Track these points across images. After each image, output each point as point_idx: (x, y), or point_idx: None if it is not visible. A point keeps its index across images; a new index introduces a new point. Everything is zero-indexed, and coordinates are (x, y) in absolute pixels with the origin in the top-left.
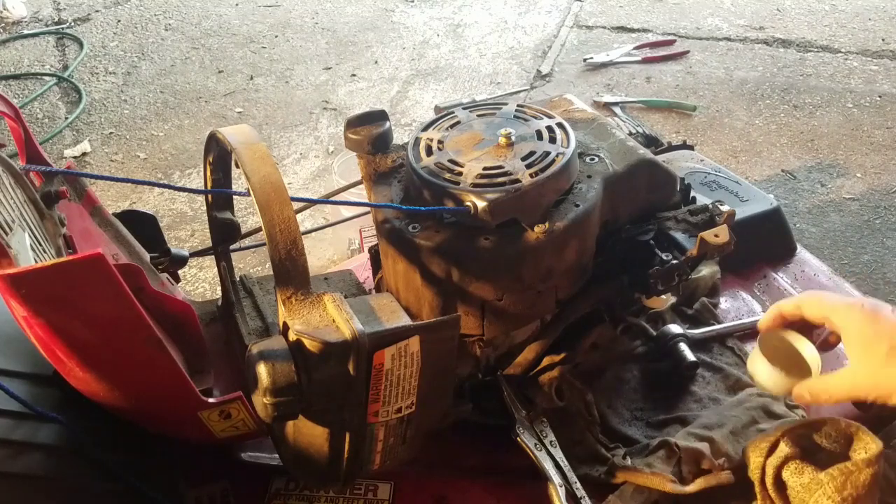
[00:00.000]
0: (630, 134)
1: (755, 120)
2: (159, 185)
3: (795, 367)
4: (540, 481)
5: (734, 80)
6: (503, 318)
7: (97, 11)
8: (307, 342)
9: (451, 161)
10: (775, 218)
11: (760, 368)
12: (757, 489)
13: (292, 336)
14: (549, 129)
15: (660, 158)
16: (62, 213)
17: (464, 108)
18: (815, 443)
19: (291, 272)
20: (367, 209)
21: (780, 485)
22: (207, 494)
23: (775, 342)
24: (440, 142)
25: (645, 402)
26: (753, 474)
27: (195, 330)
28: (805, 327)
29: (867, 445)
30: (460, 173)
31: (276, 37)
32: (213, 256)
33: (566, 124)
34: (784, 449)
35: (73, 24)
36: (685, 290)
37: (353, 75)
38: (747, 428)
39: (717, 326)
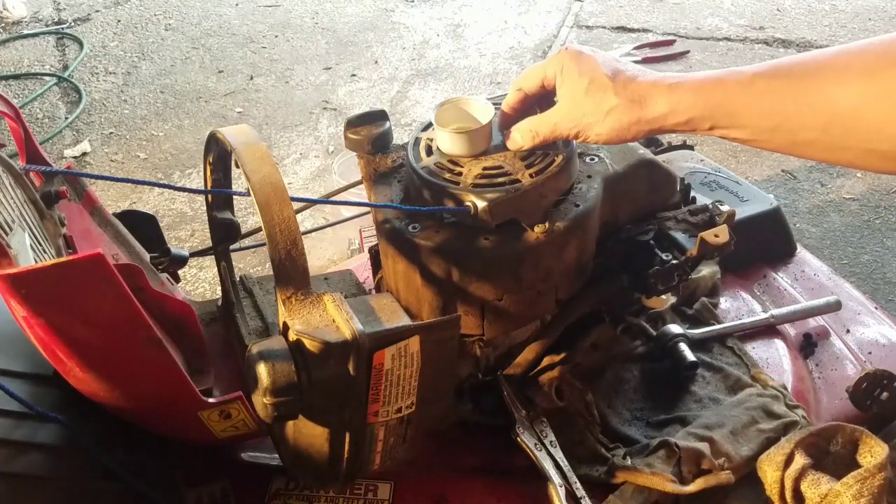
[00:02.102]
0: None
1: None
2: (159, 185)
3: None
4: (540, 481)
5: None
6: (503, 318)
7: (97, 11)
8: (307, 342)
9: (450, 161)
10: (775, 218)
11: (441, 136)
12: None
13: (292, 336)
14: None
15: (660, 158)
16: (62, 213)
17: None
18: (824, 450)
19: (291, 272)
20: (367, 209)
21: (799, 497)
22: (207, 494)
23: (448, 114)
24: None
25: (645, 402)
26: (772, 489)
27: (195, 330)
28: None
29: (873, 449)
30: (460, 173)
31: (276, 37)
32: (213, 256)
33: None
34: (799, 461)
35: (73, 24)
36: (685, 290)
37: (353, 75)
38: (747, 428)
39: (717, 326)
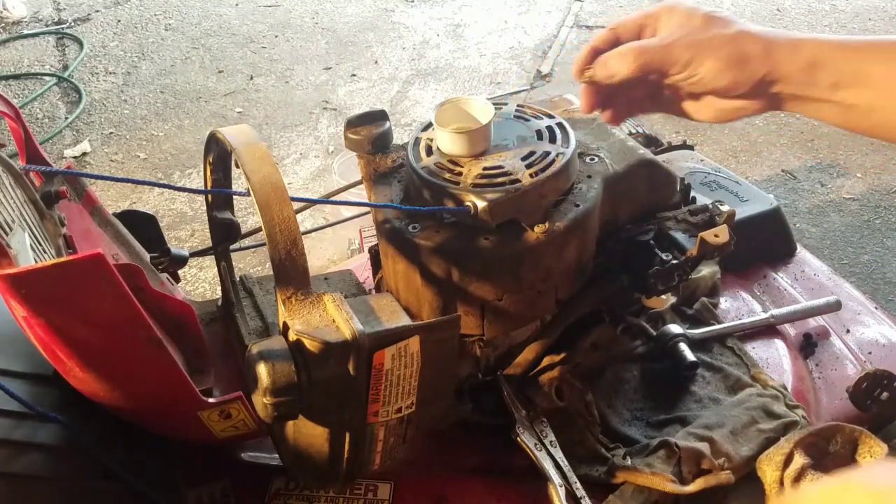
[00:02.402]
0: (630, 134)
1: (755, 120)
2: (159, 185)
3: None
4: (540, 481)
5: None
6: (503, 318)
7: (97, 11)
8: (307, 342)
9: (450, 161)
10: (775, 218)
11: (441, 136)
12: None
13: (292, 336)
14: (549, 129)
15: (660, 158)
16: (62, 213)
17: None
18: (823, 450)
19: (291, 272)
20: (367, 209)
21: None
22: (207, 494)
23: (448, 114)
24: None
25: (645, 402)
26: (772, 489)
27: (195, 330)
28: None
29: (872, 449)
30: (460, 173)
31: (276, 37)
32: (213, 256)
33: (566, 124)
34: (799, 460)
35: (73, 24)
36: (685, 290)
37: (353, 75)
38: (747, 428)
39: (717, 326)
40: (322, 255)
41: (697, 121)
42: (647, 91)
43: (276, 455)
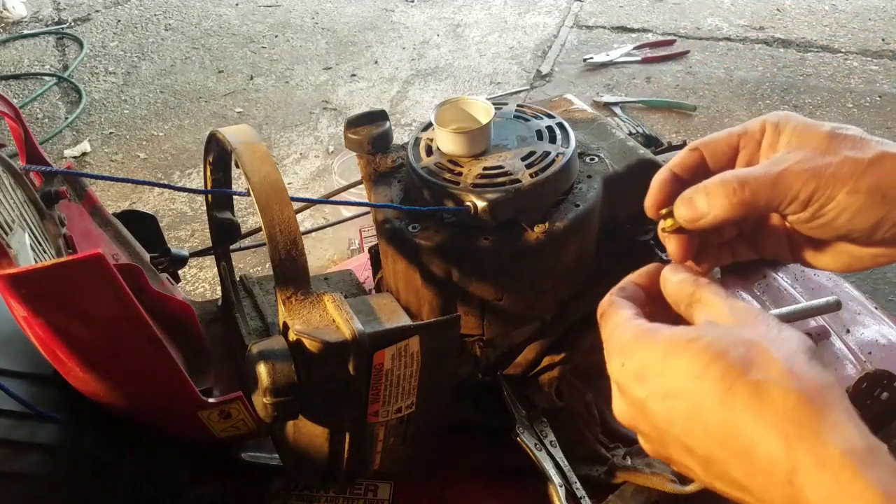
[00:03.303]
0: (630, 134)
1: None
2: (159, 185)
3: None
4: (540, 481)
5: (734, 80)
6: (503, 318)
7: (97, 11)
8: (307, 342)
9: (450, 161)
10: None
11: (441, 136)
12: None
13: (292, 336)
14: (549, 129)
15: (660, 158)
16: (62, 213)
17: None
18: None
19: (291, 272)
20: (367, 209)
21: None
22: (207, 494)
23: (448, 114)
24: None
25: None
26: None
27: (195, 330)
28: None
29: None
30: (460, 173)
31: (276, 37)
32: (213, 256)
33: (566, 124)
34: None
35: (73, 24)
36: None
37: (353, 75)
38: None
39: None
40: (322, 255)
41: (820, 269)
42: (746, 230)
43: (276, 455)
